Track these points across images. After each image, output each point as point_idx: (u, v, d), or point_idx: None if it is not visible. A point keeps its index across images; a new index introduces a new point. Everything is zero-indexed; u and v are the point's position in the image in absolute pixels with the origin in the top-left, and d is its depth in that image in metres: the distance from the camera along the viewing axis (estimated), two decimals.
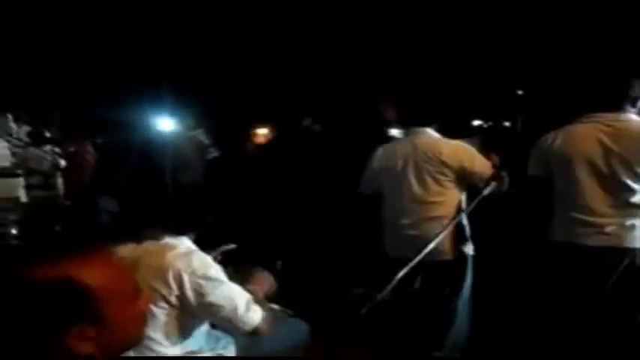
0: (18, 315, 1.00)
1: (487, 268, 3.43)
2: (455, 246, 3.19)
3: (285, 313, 2.80)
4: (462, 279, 3.25)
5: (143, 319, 1.21)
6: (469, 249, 3.26)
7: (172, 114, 5.65)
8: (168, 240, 2.19)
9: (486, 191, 2.90)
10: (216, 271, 2.17)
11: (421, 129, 3.29)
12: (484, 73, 6.84)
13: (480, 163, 3.20)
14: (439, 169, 3.18)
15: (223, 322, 2.22)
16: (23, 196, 4.22)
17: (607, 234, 2.71)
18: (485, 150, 3.93)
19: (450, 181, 3.19)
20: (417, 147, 3.24)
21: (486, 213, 3.08)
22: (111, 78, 6.81)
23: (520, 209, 3.64)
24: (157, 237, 2.20)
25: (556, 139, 2.90)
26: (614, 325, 2.73)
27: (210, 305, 2.10)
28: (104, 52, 6.66)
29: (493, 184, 2.97)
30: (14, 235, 3.51)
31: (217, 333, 2.48)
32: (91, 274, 1.06)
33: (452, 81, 6.64)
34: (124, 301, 1.11)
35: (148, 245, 2.18)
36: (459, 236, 3.18)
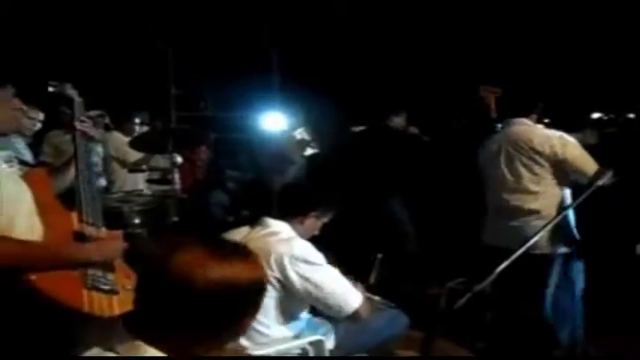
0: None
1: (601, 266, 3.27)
2: (548, 242, 3.03)
3: (385, 305, 2.83)
4: (548, 275, 3.10)
5: None
6: (562, 247, 3.09)
7: (282, 111, 5.85)
8: (273, 227, 2.35)
9: (594, 187, 2.73)
10: (317, 256, 2.29)
11: (517, 119, 3.24)
12: (605, 60, 6.39)
13: (578, 155, 3.03)
14: (531, 157, 3.10)
15: (323, 305, 2.33)
16: (146, 189, 4.59)
17: None
18: (602, 145, 3.72)
19: (545, 171, 3.08)
20: (510, 136, 3.22)
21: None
22: (223, 77, 7.16)
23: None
24: (262, 223, 2.38)
25: None
26: None
27: (314, 288, 2.24)
28: (218, 53, 7.00)
29: (603, 180, 2.78)
30: (137, 224, 3.82)
31: (318, 320, 2.57)
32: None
33: (566, 71, 6.28)
34: None
35: (256, 231, 2.37)
36: (554, 233, 3.02)
